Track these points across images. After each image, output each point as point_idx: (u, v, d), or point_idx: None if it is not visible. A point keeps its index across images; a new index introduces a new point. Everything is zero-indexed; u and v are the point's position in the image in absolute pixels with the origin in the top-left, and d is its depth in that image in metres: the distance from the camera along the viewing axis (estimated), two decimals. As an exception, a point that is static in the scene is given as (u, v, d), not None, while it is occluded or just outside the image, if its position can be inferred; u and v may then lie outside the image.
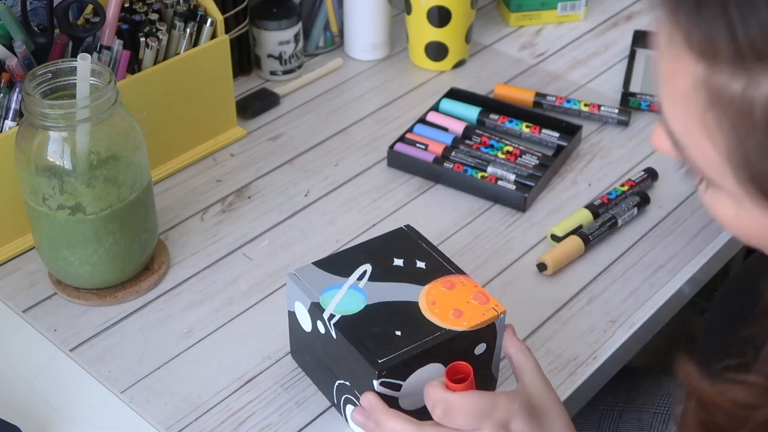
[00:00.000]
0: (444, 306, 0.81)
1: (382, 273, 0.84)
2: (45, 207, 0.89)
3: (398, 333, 0.78)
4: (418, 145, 1.14)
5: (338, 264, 0.85)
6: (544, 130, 1.16)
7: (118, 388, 0.87)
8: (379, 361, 0.76)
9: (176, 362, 0.90)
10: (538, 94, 1.23)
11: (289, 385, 0.88)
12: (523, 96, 1.23)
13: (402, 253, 0.86)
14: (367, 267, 0.84)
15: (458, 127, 1.16)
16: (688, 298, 1.02)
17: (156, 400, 0.86)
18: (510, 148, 1.13)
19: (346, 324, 0.79)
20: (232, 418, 0.85)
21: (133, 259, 0.95)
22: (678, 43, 0.49)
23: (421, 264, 0.85)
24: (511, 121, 1.17)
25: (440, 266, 0.85)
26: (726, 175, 0.52)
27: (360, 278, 0.83)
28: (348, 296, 0.82)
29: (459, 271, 0.84)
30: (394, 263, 0.85)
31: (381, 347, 0.77)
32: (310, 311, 0.82)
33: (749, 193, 0.52)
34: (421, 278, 0.83)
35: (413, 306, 0.81)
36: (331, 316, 0.80)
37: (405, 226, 0.90)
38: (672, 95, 0.51)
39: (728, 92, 0.47)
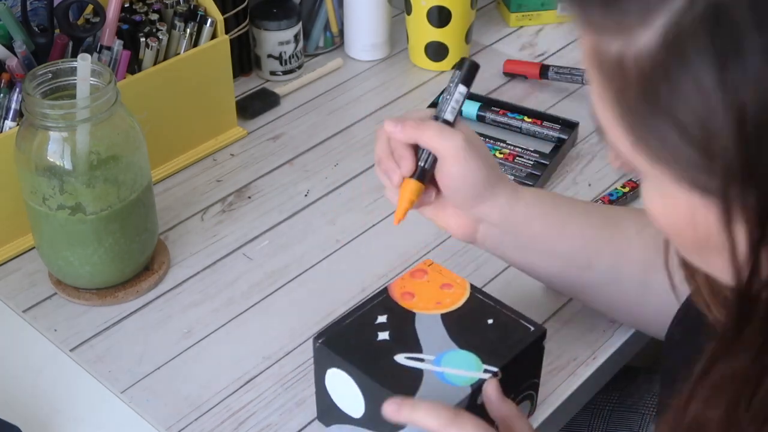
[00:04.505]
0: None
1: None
2: (45, 207, 0.89)
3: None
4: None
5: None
6: (545, 123, 1.16)
7: (118, 388, 0.87)
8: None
9: (176, 362, 0.90)
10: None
11: (289, 385, 0.87)
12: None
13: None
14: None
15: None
16: (688, 298, 1.02)
17: (156, 400, 0.86)
18: (506, 151, 1.12)
19: None
20: (232, 418, 0.85)
21: (133, 259, 0.95)
22: (579, 23, 0.51)
23: None
24: (512, 112, 1.17)
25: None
26: (635, 155, 0.51)
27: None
28: None
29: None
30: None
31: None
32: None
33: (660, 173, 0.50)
34: None
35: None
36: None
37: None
38: (588, 76, 0.52)
39: (607, 54, 0.49)
